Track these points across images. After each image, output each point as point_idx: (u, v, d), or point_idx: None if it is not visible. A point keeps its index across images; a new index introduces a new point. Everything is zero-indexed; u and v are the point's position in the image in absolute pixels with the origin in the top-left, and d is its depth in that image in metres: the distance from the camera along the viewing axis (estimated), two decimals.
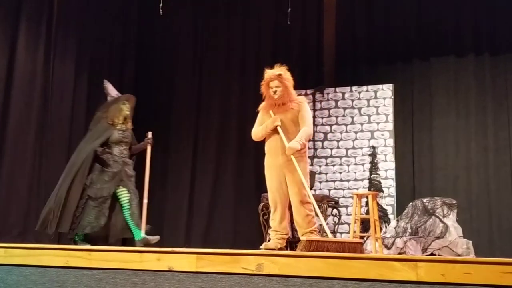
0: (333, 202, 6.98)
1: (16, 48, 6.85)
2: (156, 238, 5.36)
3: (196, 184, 8.56)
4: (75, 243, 5.25)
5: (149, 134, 5.75)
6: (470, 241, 5.86)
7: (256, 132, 4.82)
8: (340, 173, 7.58)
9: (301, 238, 4.27)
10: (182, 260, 3.04)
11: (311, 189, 6.70)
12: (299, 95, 5.09)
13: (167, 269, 3.05)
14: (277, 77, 4.66)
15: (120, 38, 8.60)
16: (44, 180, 7.09)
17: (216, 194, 8.45)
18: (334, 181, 7.58)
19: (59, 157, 7.36)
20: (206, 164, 8.60)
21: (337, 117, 7.72)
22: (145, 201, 5.54)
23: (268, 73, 4.74)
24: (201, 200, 8.50)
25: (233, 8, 8.92)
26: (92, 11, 8.02)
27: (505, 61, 7.57)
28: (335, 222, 7.04)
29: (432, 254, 5.69)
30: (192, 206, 8.53)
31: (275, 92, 4.67)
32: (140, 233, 5.31)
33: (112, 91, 5.74)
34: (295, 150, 4.52)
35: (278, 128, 4.63)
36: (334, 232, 7.10)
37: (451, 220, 6.04)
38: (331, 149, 7.66)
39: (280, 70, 4.74)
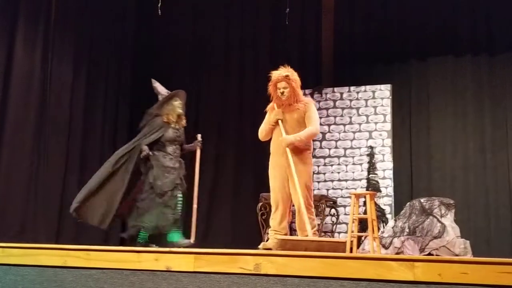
0: (331, 202, 7.00)
1: (14, 47, 6.84)
2: (187, 242, 5.30)
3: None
4: (140, 244, 5.22)
5: (199, 137, 5.74)
6: (468, 241, 5.87)
7: (261, 130, 4.86)
8: (338, 173, 7.59)
9: (277, 237, 4.29)
10: (180, 260, 3.04)
11: None
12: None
13: (165, 269, 3.05)
14: (284, 78, 4.70)
15: (118, 37, 8.60)
16: (42, 180, 7.09)
17: (215, 194, 8.45)
18: (332, 181, 7.59)
19: (57, 156, 7.36)
20: (205, 164, 8.59)
21: (335, 117, 7.72)
22: (195, 206, 5.59)
23: (276, 74, 4.77)
24: (199, 200, 8.49)
25: (231, 8, 8.92)
26: (90, 11, 8.01)
27: (503, 61, 7.59)
28: (333, 222, 7.06)
29: (429, 254, 5.70)
30: (190, 206, 8.51)
31: (282, 93, 4.71)
32: (179, 236, 5.30)
33: (161, 89, 5.71)
34: (288, 143, 4.57)
35: (279, 121, 4.67)
36: (332, 232, 7.12)
37: (448, 220, 6.05)
38: (329, 149, 7.67)
39: (288, 71, 4.76)
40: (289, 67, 4.84)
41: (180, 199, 5.37)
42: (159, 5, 6.17)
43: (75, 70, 7.72)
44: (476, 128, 7.58)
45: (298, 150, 4.65)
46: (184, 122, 5.61)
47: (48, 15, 7.32)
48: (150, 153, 5.33)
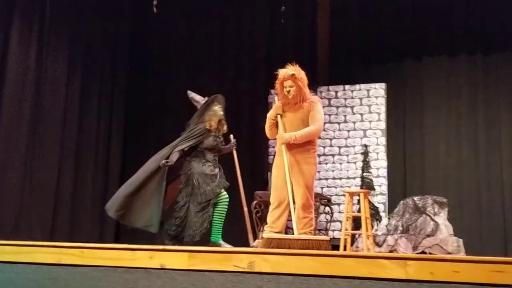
0: (326, 200, 7.03)
1: (9, 45, 6.82)
2: (229, 247, 5.28)
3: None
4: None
5: (232, 138, 5.70)
6: (461, 239, 5.91)
7: (266, 127, 4.86)
8: (333, 171, 7.62)
9: (263, 235, 4.31)
10: (174, 258, 3.05)
11: None
12: None
13: (159, 267, 3.06)
14: (290, 77, 4.67)
15: (113, 36, 8.59)
16: (36, 178, 7.09)
17: None
18: (326, 179, 7.61)
19: (51, 154, 7.36)
20: None
21: (330, 115, 7.74)
22: (245, 209, 5.58)
23: (282, 72, 4.75)
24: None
25: (227, 7, 8.92)
26: (85, 10, 7.99)
27: (497, 61, 7.62)
28: (327, 220, 7.09)
29: (423, 252, 5.74)
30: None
31: (288, 91, 4.68)
32: (220, 237, 5.30)
33: (199, 98, 5.64)
34: (283, 140, 4.57)
35: (278, 117, 4.67)
36: (326, 230, 7.15)
37: (441, 218, 6.09)
38: (324, 147, 7.69)
39: (294, 69, 4.73)
40: (297, 65, 4.80)
41: (225, 202, 5.32)
42: (154, 3, 6.15)
43: (69, 69, 7.71)
44: (469, 127, 7.62)
45: (301, 149, 4.61)
46: (225, 127, 5.52)
47: (43, 14, 7.30)
48: (171, 164, 5.26)
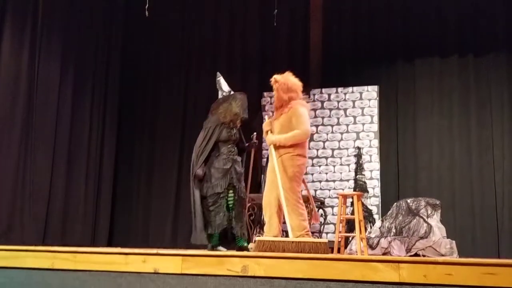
0: (319, 203, 7.03)
1: (0, 47, 6.79)
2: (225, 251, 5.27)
3: (182, 185, 8.55)
4: (213, 248, 5.17)
5: (254, 137, 5.64)
6: (454, 241, 5.91)
7: None
8: (326, 173, 7.63)
9: (256, 238, 4.31)
10: (168, 262, 3.05)
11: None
12: None
13: (153, 271, 3.06)
14: (273, 83, 4.80)
15: (105, 38, 8.57)
16: (29, 180, 7.06)
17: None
18: (320, 181, 7.62)
19: (44, 157, 7.33)
20: None
21: (323, 118, 7.76)
22: (244, 210, 5.51)
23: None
24: (187, 201, 8.49)
25: (219, 10, 8.92)
26: (77, 12, 7.98)
27: (488, 62, 7.66)
28: (321, 222, 7.09)
29: (416, 254, 5.74)
30: (178, 207, 8.52)
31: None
32: (243, 241, 5.28)
33: (224, 86, 5.59)
34: (270, 141, 4.70)
35: (269, 132, 4.79)
36: (320, 232, 7.15)
37: (435, 220, 6.10)
38: (317, 149, 7.70)
39: (277, 76, 4.84)
40: (290, 72, 4.91)
41: (231, 201, 5.28)
42: (146, 6, 6.15)
43: (62, 71, 7.69)
44: (462, 128, 7.65)
45: (287, 152, 4.67)
46: (239, 122, 5.47)
47: (35, 16, 7.28)
48: (201, 176, 5.29)
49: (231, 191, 5.29)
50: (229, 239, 5.31)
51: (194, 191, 5.28)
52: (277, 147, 4.68)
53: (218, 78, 5.66)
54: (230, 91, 5.55)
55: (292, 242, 4.15)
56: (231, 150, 5.39)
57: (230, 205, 5.28)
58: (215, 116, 5.45)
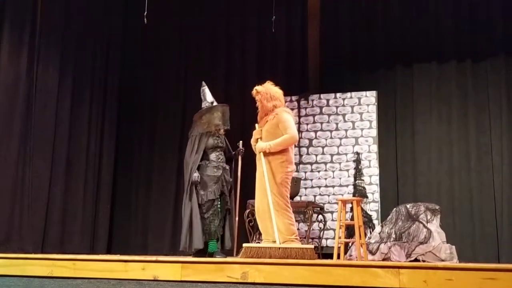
0: (318, 208, 7.02)
1: None
2: (223, 256, 5.28)
3: (181, 193, 8.53)
4: (210, 255, 5.24)
5: (240, 144, 5.74)
6: (454, 246, 5.91)
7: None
8: (325, 179, 7.62)
9: (243, 245, 4.34)
10: (167, 269, 3.04)
11: (296, 195, 6.76)
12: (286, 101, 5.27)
13: (152, 278, 3.05)
14: (255, 95, 4.98)
15: (104, 44, 8.58)
16: (28, 188, 7.04)
17: None
18: (319, 187, 7.62)
19: (43, 165, 7.31)
20: None
21: (321, 123, 7.76)
22: (237, 219, 5.58)
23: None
24: None
25: (217, 17, 8.94)
26: (76, 17, 7.99)
27: (486, 67, 7.67)
28: (320, 228, 7.08)
29: (416, 260, 5.74)
30: (177, 214, 8.50)
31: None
32: (215, 246, 5.35)
33: (208, 96, 5.74)
34: (259, 148, 4.78)
35: (259, 140, 4.88)
36: (319, 238, 7.14)
37: (434, 225, 6.09)
38: (316, 155, 7.70)
39: (258, 86, 5.01)
40: (270, 81, 5.07)
41: (218, 208, 5.40)
42: (145, 13, 6.17)
43: (60, 77, 7.68)
44: (460, 133, 7.65)
45: (273, 158, 4.76)
46: (222, 131, 5.61)
47: (33, 22, 7.28)
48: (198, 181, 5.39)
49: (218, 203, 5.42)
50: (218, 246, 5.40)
51: (186, 200, 5.38)
52: (266, 154, 4.77)
53: (203, 88, 5.81)
54: (213, 102, 5.70)
55: (279, 248, 4.18)
56: (219, 157, 5.53)
57: (218, 212, 5.39)
58: (199, 125, 5.60)
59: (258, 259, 3.87)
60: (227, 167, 5.59)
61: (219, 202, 5.40)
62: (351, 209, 6.48)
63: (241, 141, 5.76)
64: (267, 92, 4.93)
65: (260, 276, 2.86)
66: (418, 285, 2.63)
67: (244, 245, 4.35)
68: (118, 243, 8.55)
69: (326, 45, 8.35)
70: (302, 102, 7.84)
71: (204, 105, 5.71)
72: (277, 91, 4.99)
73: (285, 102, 5.31)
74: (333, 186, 7.57)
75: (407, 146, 7.85)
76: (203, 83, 5.85)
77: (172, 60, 9.02)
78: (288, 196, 4.79)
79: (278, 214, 4.57)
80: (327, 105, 7.79)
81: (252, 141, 4.98)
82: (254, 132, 4.97)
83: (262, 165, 4.74)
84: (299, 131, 7.54)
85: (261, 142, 4.83)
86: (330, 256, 5.91)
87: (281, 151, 4.76)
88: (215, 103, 5.68)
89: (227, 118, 5.64)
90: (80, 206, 7.93)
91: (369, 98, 7.63)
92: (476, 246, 7.23)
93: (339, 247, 5.57)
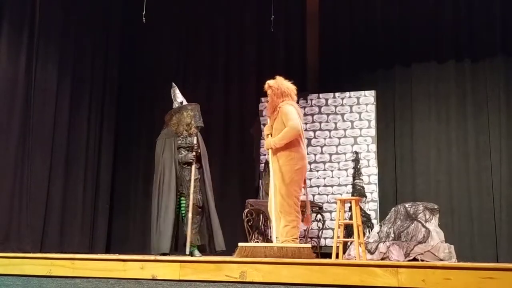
0: (317, 208, 7.02)
1: None
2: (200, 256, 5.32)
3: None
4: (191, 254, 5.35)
5: (194, 140, 5.74)
6: (452, 246, 5.91)
7: None
8: (324, 178, 7.63)
9: (239, 244, 4.34)
10: (166, 269, 3.04)
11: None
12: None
13: (151, 278, 3.05)
14: (267, 89, 4.91)
15: (103, 44, 8.57)
16: (26, 188, 7.03)
17: None
18: (318, 186, 7.62)
19: (41, 165, 7.30)
20: None
21: (320, 122, 7.77)
22: (190, 215, 5.57)
23: None
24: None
25: (216, 16, 8.94)
26: (75, 18, 7.98)
27: (485, 67, 7.68)
28: (319, 227, 7.08)
29: (414, 259, 5.74)
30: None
31: None
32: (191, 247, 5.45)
33: (178, 97, 5.85)
34: (267, 145, 4.77)
35: (268, 136, 4.83)
36: (318, 237, 7.14)
37: (433, 225, 6.10)
38: (315, 154, 7.70)
39: (269, 81, 4.94)
40: (281, 75, 5.01)
41: (183, 209, 5.53)
42: (143, 13, 6.16)
43: (59, 77, 7.67)
44: (459, 133, 7.66)
45: (282, 155, 4.69)
46: (193, 130, 5.68)
47: (32, 22, 7.27)
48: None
49: (182, 202, 5.56)
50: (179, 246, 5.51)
51: (162, 201, 5.50)
52: (274, 151, 4.70)
53: (173, 88, 5.88)
54: (182, 102, 5.81)
55: (274, 247, 4.14)
56: (182, 159, 5.62)
57: (183, 213, 5.57)
58: (169, 127, 5.74)
59: (257, 258, 3.87)
60: (188, 167, 5.61)
61: (180, 203, 5.53)
62: (350, 208, 6.49)
63: (195, 137, 5.72)
64: (279, 87, 4.85)
65: (258, 275, 2.86)
66: (417, 285, 2.63)
67: (239, 244, 4.34)
68: (117, 242, 8.54)
69: (325, 44, 8.35)
70: (301, 102, 7.84)
71: (174, 105, 5.82)
72: (288, 87, 4.90)
73: None
74: (332, 186, 7.57)
75: (406, 146, 7.85)
76: (173, 84, 5.96)
77: (171, 59, 9.01)
78: (299, 194, 4.71)
79: (281, 216, 4.53)
80: (326, 104, 7.80)
81: (264, 137, 4.98)
82: (264, 128, 4.93)
83: (272, 163, 4.69)
84: None
85: (269, 138, 4.77)
86: (328, 255, 5.91)
87: (288, 146, 4.66)
88: (184, 103, 5.80)
89: (198, 116, 5.74)
90: (79, 205, 7.92)
91: (368, 97, 7.63)
92: (475, 246, 7.24)
93: (337, 247, 5.56)
